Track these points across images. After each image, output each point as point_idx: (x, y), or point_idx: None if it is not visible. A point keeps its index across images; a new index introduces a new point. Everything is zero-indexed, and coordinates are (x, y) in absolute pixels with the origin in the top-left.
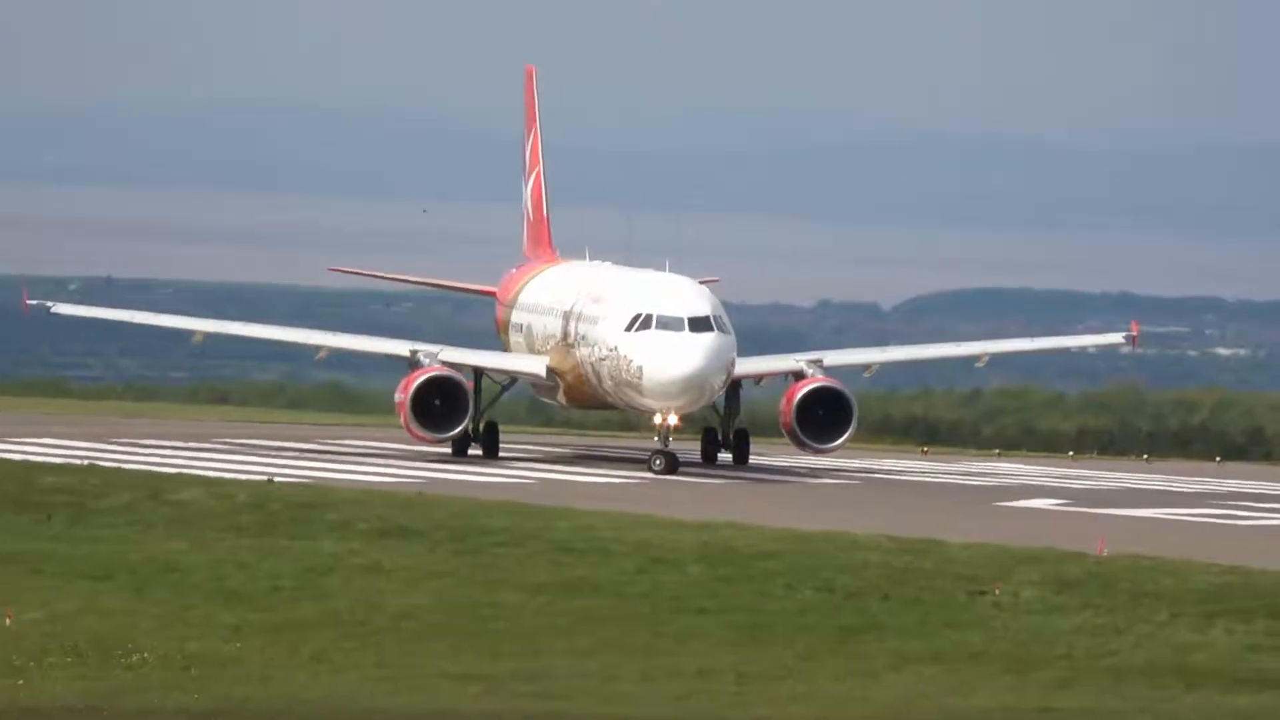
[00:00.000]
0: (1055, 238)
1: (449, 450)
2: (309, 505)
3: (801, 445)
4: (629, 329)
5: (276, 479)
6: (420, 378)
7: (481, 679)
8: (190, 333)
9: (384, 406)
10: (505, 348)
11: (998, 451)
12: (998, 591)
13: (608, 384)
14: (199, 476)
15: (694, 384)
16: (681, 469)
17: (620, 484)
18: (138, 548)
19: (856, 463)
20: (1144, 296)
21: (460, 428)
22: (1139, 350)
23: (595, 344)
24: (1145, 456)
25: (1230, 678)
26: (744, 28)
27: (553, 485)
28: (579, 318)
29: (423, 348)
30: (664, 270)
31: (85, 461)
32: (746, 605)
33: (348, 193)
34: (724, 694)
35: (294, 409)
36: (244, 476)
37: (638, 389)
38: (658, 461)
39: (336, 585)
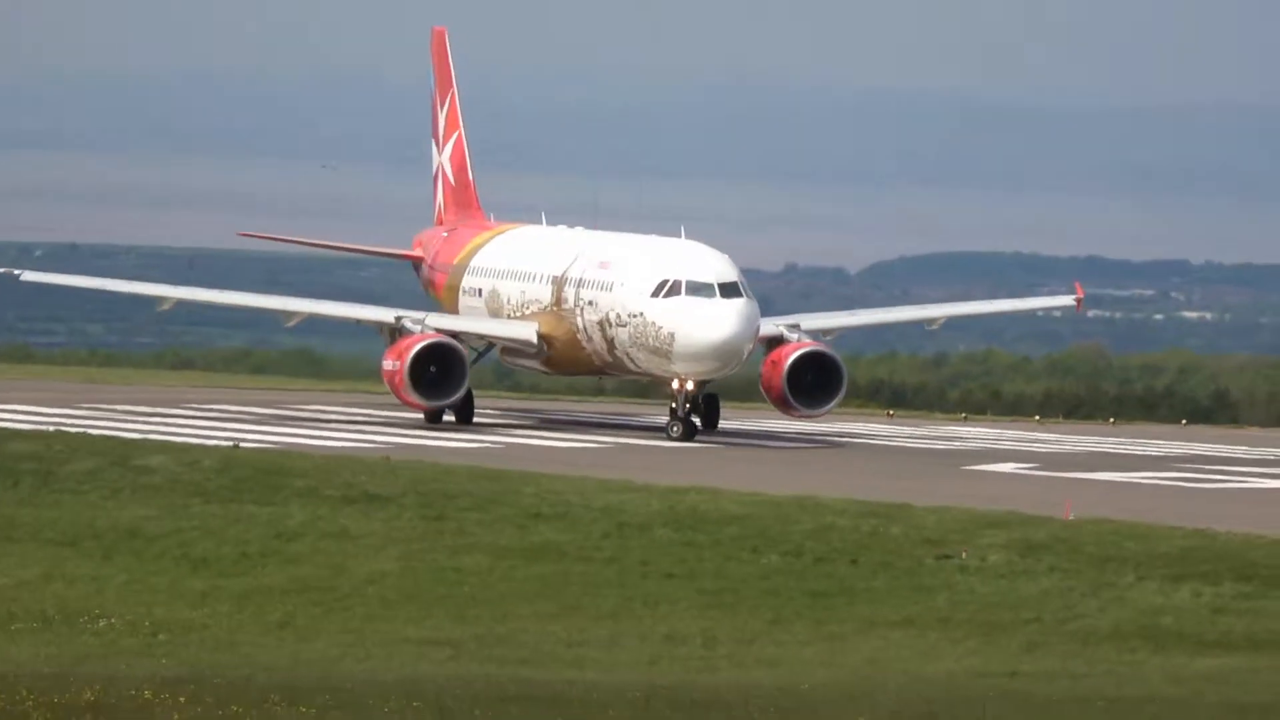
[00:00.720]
0: (1022, 201)
1: (421, 416)
2: (276, 471)
3: (790, 410)
4: (655, 295)
5: (243, 445)
6: (419, 344)
7: (448, 644)
8: (162, 299)
9: (351, 372)
10: (445, 311)
11: (964, 415)
12: (965, 555)
13: (628, 350)
14: (165, 442)
15: (728, 350)
16: (649, 434)
17: (588, 449)
18: (104, 514)
19: (823, 427)
20: (1111, 260)
21: (459, 394)
22: (1082, 313)
23: (610, 309)
24: (1111, 420)
25: (1197, 640)
26: None
27: (520, 450)
28: (580, 283)
29: (408, 314)
30: (680, 237)
31: (51, 428)
32: (714, 570)
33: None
34: (692, 658)
35: (260, 374)
36: (210, 442)
37: (666, 355)
38: (675, 428)
39: (304, 551)
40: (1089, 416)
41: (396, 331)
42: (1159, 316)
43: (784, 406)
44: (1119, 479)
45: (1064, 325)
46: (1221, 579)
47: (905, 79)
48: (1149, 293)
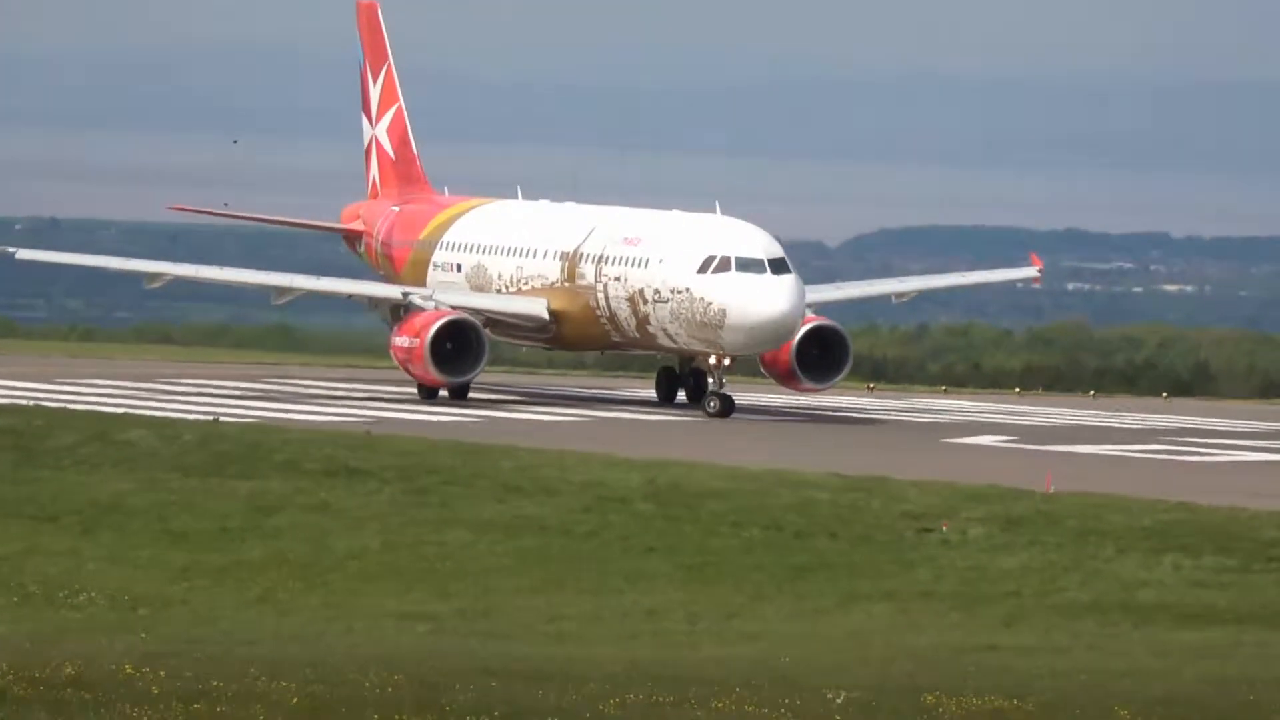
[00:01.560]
0: (1002, 174)
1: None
2: (256, 445)
3: (797, 386)
4: (702, 270)
5: (223, 419)
6: (439, 320)
7: (429, 618)
8: (155, 275)
9: (329, 346)
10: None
11: (944, 388)
12: (945, 529)
13: (665, 326)
14: (145, 417)
15: (783, 325)
16: (634, 408)
17: (570, 422)
18: (84, 489)
19: (804, 400)
20: (1091, 233)
21: (478, 370)
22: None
23: (646, 285)
24: (1092, 393)
25: (1177, 613)
26: None
27: (501, 424)
28: (602, 259)
29: (415, 290)
30: (715, 212)
31: (30, 402)
32: (695, 544)
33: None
34: (673, 632)
35: (240, 349)
36: (190, 417)
37: (715, 331)
38: (713, 403)
39: (284, 525)
40: (1069, 390)
41: (403, 308)
42: (1139, 289)
43: (790, 381)
44: (1100, 452)
45: (1045, 298)
46: (1203, 552)
47: (883, 54)
48: (1129, 265)
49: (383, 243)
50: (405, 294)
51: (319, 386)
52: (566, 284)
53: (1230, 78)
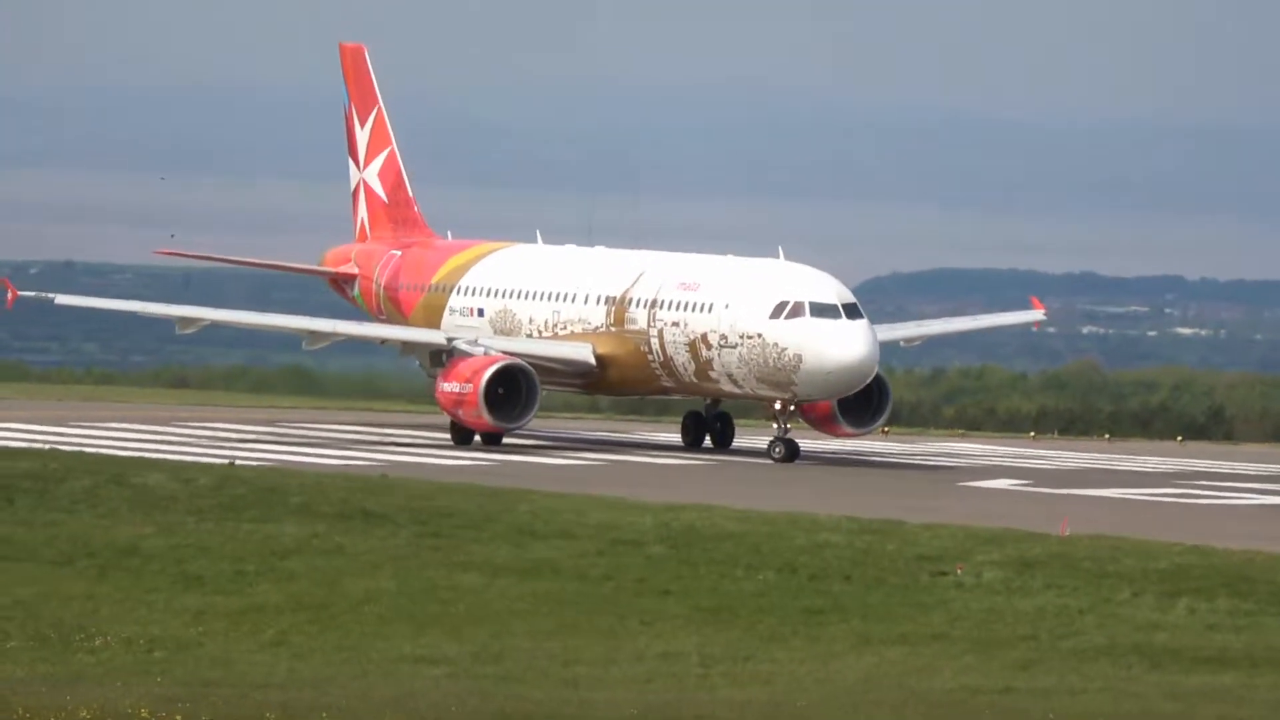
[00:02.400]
0: (1017, 217)
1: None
2: (271, 489)
3: (836, 430)
4: (774, 316)
5: (239, 462)
6: (492, 366)
7: (444, 661)
8: (191, 320)
9: (345, 390)
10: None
11: (959, 432)
12: (960, 572)
13: (731, 372)
14: (161, 460)
15: (862, 371)
16: (655, 452)
17: (584, 465)
18: (100, 532)
19: (818, 444)
20: (1106, 276)
21: (530, 415)
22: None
23: (710, 330)
24: (1107, 436)
25: (1192, 657)
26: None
27: (515, 468)
28: (655, 304)
29: (458, 335)
30: (779, 258)
31: (47, 445)
32: (709, 587)
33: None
34: (688, 676)
35: (256, 392)
36: (206, 460)
37: (789, 377)
38: (778, 449)
39: (299, 568)
40: (1084, 433)
41: (446, 354)
42: (1153, 333)
43: (828, 426)
44: (1114, 495)
45: (1059, 341)
46: (1217, 595)
47: (901, 96)
48: (1144, 309)
49: (386, 287)
50: (450, 339)
51: (334, 430)
52: (613, 329)
53: (1244, 122)
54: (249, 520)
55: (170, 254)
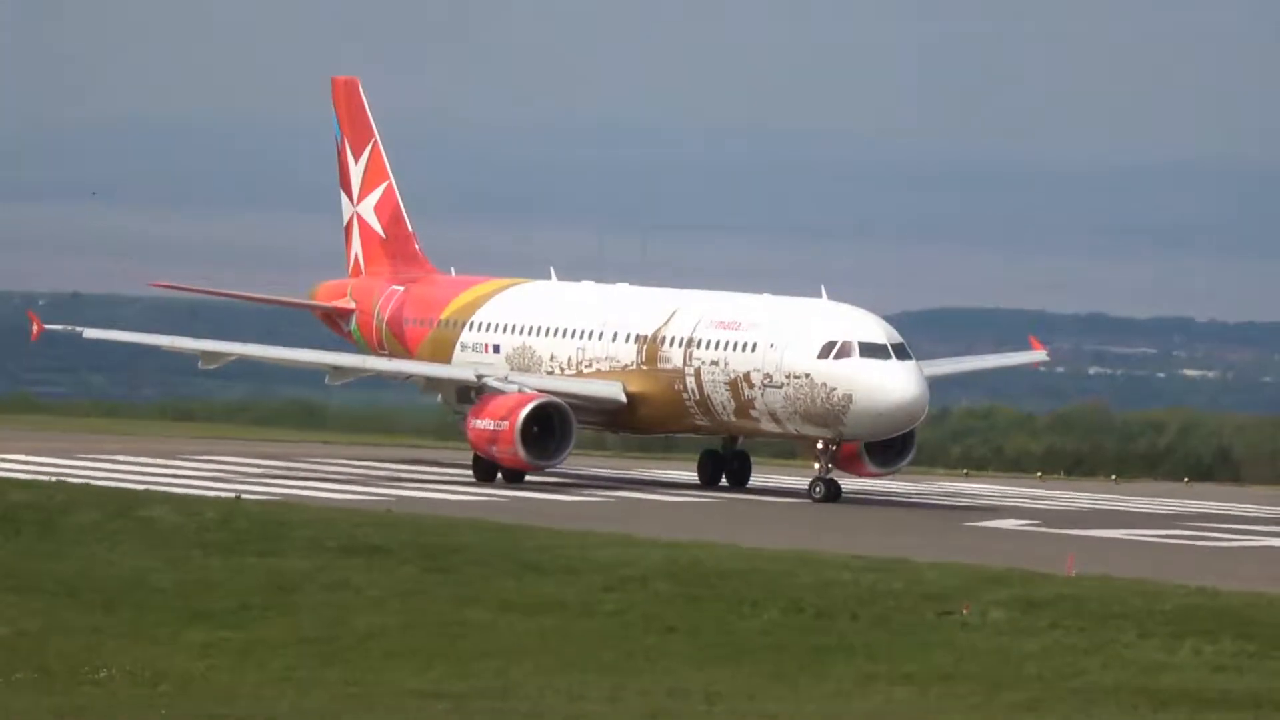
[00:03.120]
0: (1026, 257)
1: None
2: (277, 522)
3: (860, 469)
4: (823, 356)
5: (244, 496)
6: (529, 404)
7: (450, 697)
8: (217, 355)
9: (351, 424)
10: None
11: (966, 471)
12: (966, 611)
13: (774, 410)
14: (167, 493)
15: (913, 411)
16: (672, 490)
17: (591, 503)
18: (105, 564)
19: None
20: (1114, 317)
21: (566, 453)
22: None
23: (753, 369)
24: (1113, 477)
25: (1198, 698)
26: (706, 40)
27: (523, 503)
28: (692, 342)
29: (487, 372)
30: (821, 297)
31: (53, 477)
32: (715, 624)
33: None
34: (693, 714)
35: (261, 425)
36: (212, 493)
37: (837, 417)
38: (818, 489)
39: (305, 603)
40: (1091, 473)
41: (475, 390)
42: (1161, 374)
43: (853, 465)
44: (1121, 536)
45: (1067, 382)
46: (1223, 637)
47: (910, 137)
48: (1152, 350)
49: (389, 322)
50: (479, 376)
51: (340, 464)
52: (645, 366)
53: (1254, 164)
54: (254, 554)
55: (166, 287)
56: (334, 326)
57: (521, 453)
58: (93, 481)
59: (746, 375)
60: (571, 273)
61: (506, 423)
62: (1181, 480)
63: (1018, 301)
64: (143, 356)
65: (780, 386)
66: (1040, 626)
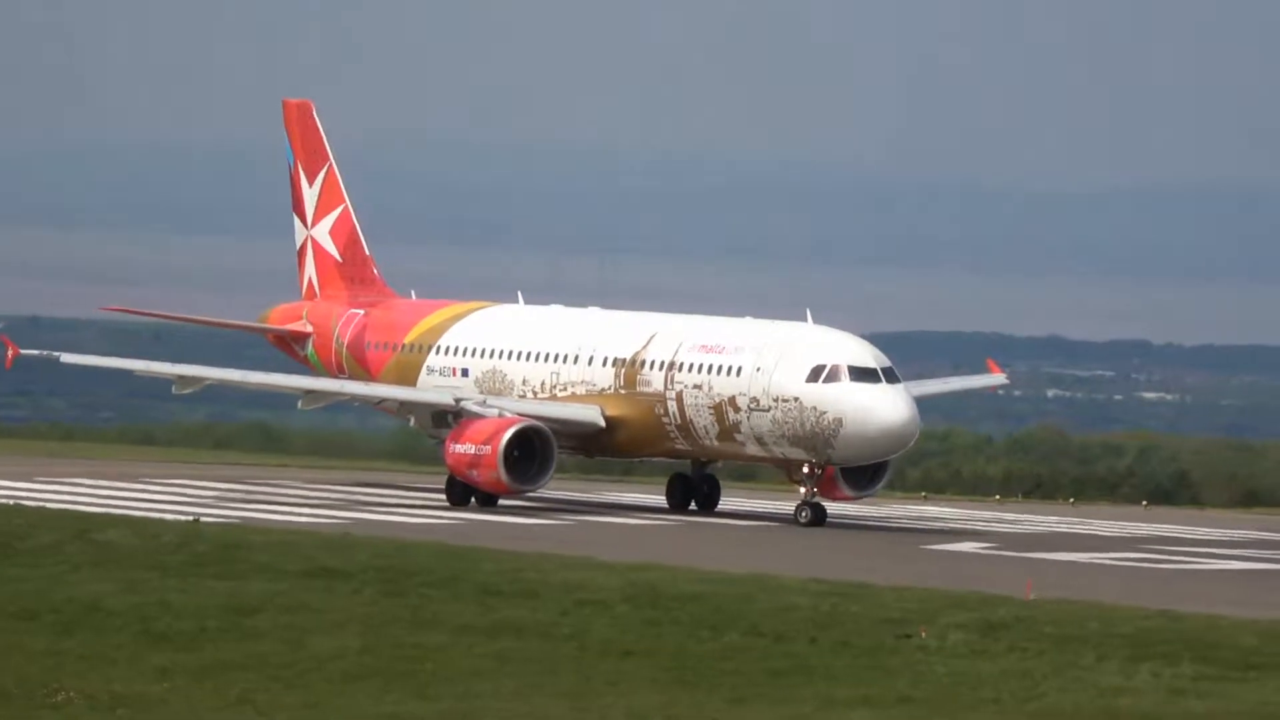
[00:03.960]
0: (985, 280)
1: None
2: (235, 545)
3: (834, 493)
4: (812, 380)
5: (203, 519)
6: (512, 428)
7: (408, 719)
8: (193, 380)
9: (309, 447)
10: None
11: (924, 494)
12: (925, 634)
13: (760, 434)
14: (125, 516)
15: (905, 435)
16: (632, 513)
17: (549, 525)
18: (63, 588)
19: (783, 505)
20: (1072, 340)
21: (548, 476)
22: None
23: (738, 393)
24: (1071, 500)
25: None
26: (664, 67)
27: (482, 527)
28: (673, 366)
29: (465, 396)
30: (806, 320)
31: (11, 501)
32: (674, 648)
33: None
34: None
35: (221, 448)
36: (170, 516)
37: (826, 441)
38: (804, 513)
39: (263, 626)
40: (1049, 496)
41: (452, 415)
42: (1119, 397)
43: (827, 489)
44: (1079, 559)
45: (1025, 405)
46: (1181, 660)
47: (867, 161)
48: (1109, 373)
49: (349, 346)
50: (458, 400)
51: (299, 486)
52: (624, 390)
53: (1209, 186)
54: (213, 577)
55: (118, 310)
56: (288, 350)
57: (504, 477)
58: (50, 505)
59: (732, 399)
60: (531, 296)
61: (489, 447)
62: (1140, 503)
63: (975, 324)
64: (101, 380)
65: (768, 410)
66: (999, 649)
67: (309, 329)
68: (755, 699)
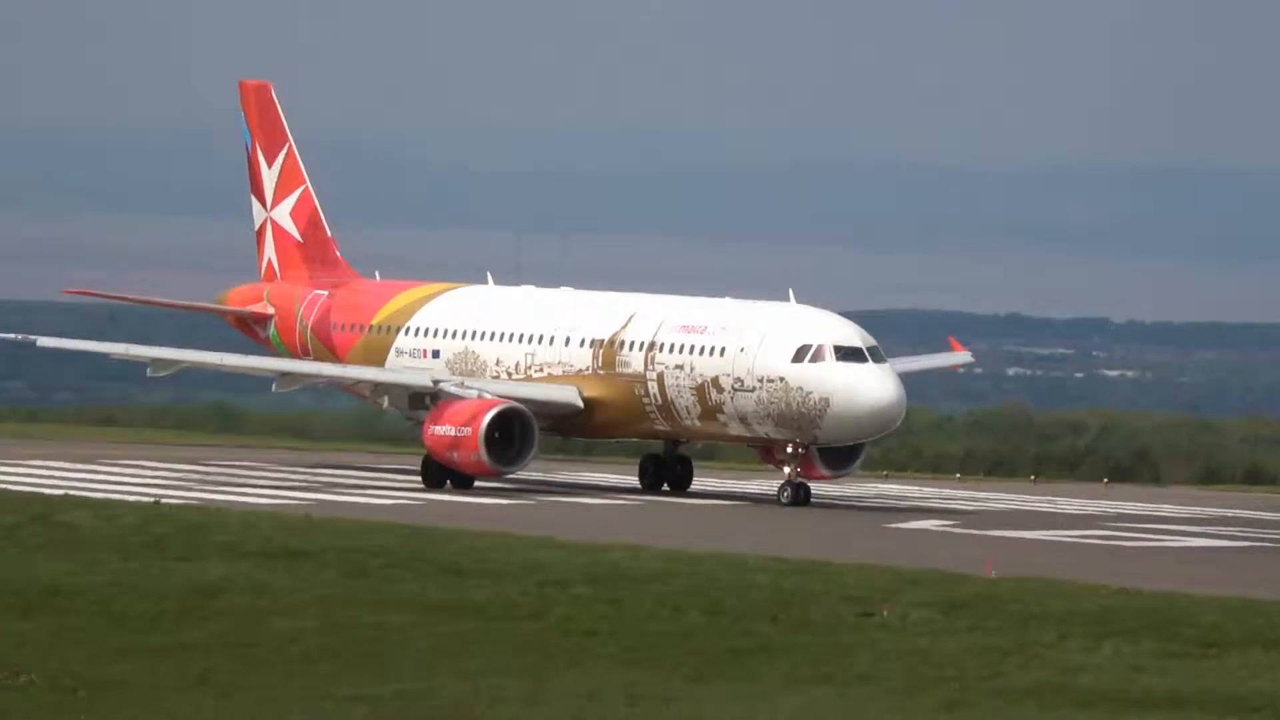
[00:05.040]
0: (944, 258)
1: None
2: (196, 527)
3: (812, 473)
4: (797, 360)
5: (164, 500)
6: (493, 409)
7: (369, 700)
8: (169, 363)
9: (270, 428)
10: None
11: (885, 473)
12: (886, 613)
13: (744, 414)
14: (86, 498)
15: (891, 415)
16: (599, 492)
17: (512, 505)
18: (23, 570)
19: (744, 485)
20: (1032, 318)
21: (529, 457)
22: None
23: (721, 374)
24: (1033, 478)
25: (1118, 698)
26: (631, 46)
27: (445, 507)
28: (654, 346)
29: (443, 377)
30: (789, 300)
31: None
32: (635, 627)
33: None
34: (614, 716)
35: (181, 429)
36: (131, 498)
37: (812, 421)
38: (787, 493)
39: (224, 607)
40: (1010, 474)
41: (430, 396)
42: (1080, 374)
43: (804, 468)
44: (1040, 537)
45: (985, 383)
46: (1142, 637)
47: (828, 140)
48: (1070, 351)
49: (314, 327)
50: (435, 381)
51: (259, 468)
52: (602, 371)
53: (1168, 163)
54: (174, 559)
55: (79, 293)
56: (249, 332)
57: (486, 459)
58: (10, 487)
59: (715, 379)
60: (499, 278)
61: (469, 428)
62: (1101, 481)
63: (934, 303)
64: (59, 362)
65: (752, 390)
66: (960, 628)
67: (271, 310)
68: (716, 678)
